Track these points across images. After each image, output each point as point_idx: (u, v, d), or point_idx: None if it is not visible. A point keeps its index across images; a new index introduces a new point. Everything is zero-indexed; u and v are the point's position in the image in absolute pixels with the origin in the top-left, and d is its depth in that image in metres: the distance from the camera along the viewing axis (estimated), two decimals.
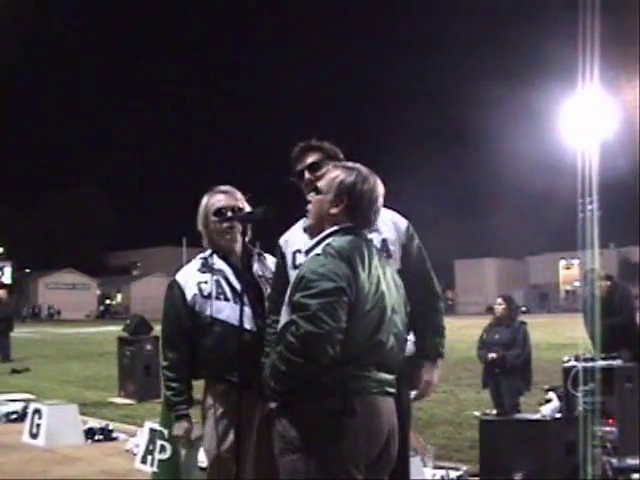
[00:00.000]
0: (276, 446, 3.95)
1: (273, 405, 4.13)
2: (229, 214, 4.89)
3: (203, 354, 4.80)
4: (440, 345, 4.69)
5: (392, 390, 3.97)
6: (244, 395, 4.39)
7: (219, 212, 4.91)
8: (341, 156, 4.73)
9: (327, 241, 3.92)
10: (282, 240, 4.77)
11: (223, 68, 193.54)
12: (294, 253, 4.61)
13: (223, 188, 5.02)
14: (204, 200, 5.00)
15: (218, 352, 4.72)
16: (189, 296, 4.80)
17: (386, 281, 3.99)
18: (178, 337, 4.86)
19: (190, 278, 4.86)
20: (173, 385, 4.84)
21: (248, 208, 4.94)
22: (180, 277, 4.91)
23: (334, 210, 4.03)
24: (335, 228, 4.00)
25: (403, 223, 4.68)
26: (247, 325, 4.61)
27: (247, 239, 4.83)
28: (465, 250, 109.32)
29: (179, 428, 4.85)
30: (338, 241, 3.90)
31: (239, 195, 5.01)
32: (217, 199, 4.96)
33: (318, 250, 3.89)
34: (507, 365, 11.09)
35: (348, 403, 3.75)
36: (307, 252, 4.06)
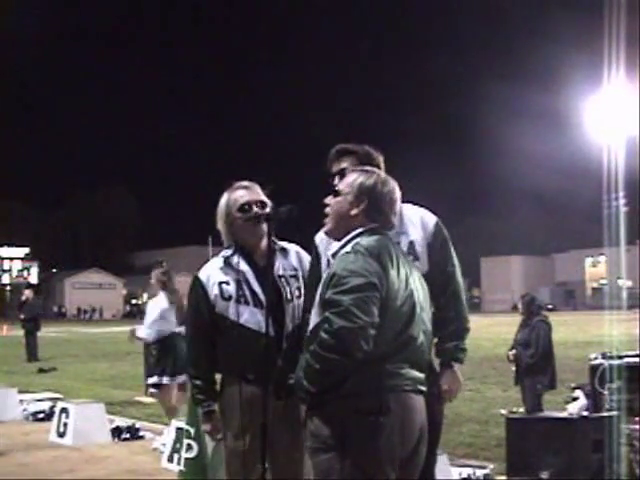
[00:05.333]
0: (307, 445, 3.97)
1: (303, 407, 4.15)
2: (255, 208, 4.82)
3: (221, 354, 4.82)
4: (457, 350, 4.54)
5: (423, 388, 3.96)
6: (259, 394, 4.42)
7: (244, 207, 4.84)
8: (380, 159, 4.70)
9: (355, 241, 3.94)
10: (318, 238, 4.73)
11: (246, 71, 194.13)
12: (329, 258, 4.59)
13: (243, 184, 4.95)
14: (224, 197, 4.92)
15: (235, 354, 4.73)
16: (211, 296, 4.78)
17: (413, 279, 4.00)
18: (200, 335, 4.87)
19: (212, 276, 4.83)
20: (197, 383, 4.86)
21: (269, 203, 4.91)
22: (202, 274, 4.87)
23: (354, 211, 4.04)
24: (361, 230, 4.01)
25: (431, 220, 4.61)
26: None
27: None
28: (491, 247, 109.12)
29: (206, 424, 4.89)
30: (366, 240, 3.92)
31: (259, 189, 4.95)
32: (239, 194, 4.88)
33: (347, 249, 3.91)
34: (522, 365, 11.13)
35: (383, 401, 3.75)
36: (334, 255, 4.07)
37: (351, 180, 4.11)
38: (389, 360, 3.80)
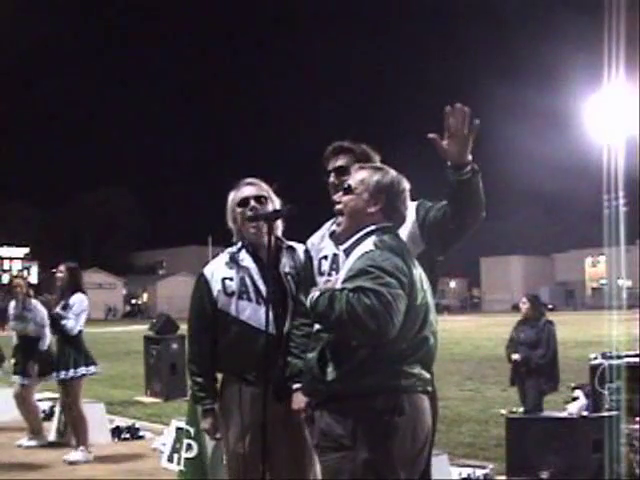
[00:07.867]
0: (316, 444, 3.94)
1: (304, 406, 4.14)
2: (252, 203, 4.85)
3: (221, 351, 4.82)
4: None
5: (430, 389, 3.95)
6: (259, 394, 4.41)
7: (244, 202, 4.87)
8: (376, 159, 4.64)
9: (372, 238, 3.87)
10: (309, 243, 4.75)
11: (247, 69, 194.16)
12: (320, 260, 4.58)
13: (248, 180, 4.99)
14: (231, 195, 4.97)
15: (235, 351, 4.72)
16: (214, 291, 4.79)
17: (423, 279, 3.95)
18: (202, 331, 4.88)
19: (216, 272, 4.85)
20: (197, 380, 4.86)
21: (275, 198, 4.93)
22: (207, 270, 4.90)
23: (372, 209, 3.98)
24: (373, 227, 3.95)
25: (412, 206, 4.41)
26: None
27: (279, 233, 4.91)
28: (491, 247, 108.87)
29: (205, 422, 4.87)
30: (386, 238, 3.87)
31: (264, 186, 4.97)
32: (241, 191, 4.94)
33: (369, 246, 3.81)
34: (532, 365, 11.10)
35: (399, 401, 3.73)
36: (345, 251, 4.00)
37: (364, 177, 4.04)
38: (405, 360, 3.78)
